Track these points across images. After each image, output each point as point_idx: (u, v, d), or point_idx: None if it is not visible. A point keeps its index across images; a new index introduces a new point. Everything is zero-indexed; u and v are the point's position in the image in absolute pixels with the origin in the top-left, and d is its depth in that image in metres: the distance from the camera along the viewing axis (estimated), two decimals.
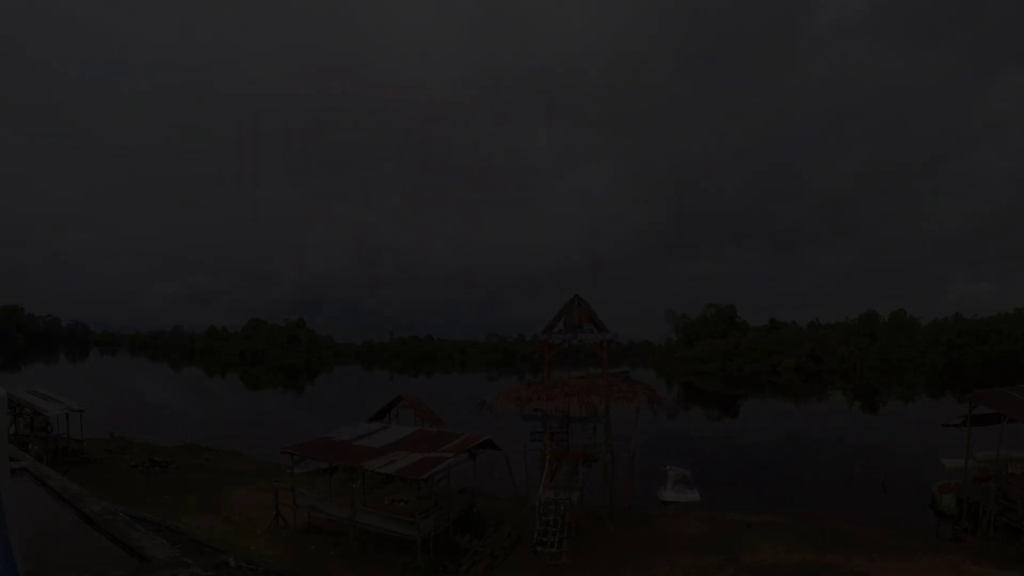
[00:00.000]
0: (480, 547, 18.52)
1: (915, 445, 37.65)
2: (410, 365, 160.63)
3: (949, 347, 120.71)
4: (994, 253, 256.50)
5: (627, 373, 23.02)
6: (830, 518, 22.31)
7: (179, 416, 55.92)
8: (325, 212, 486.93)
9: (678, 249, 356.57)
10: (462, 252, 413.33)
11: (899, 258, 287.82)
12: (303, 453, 21.28)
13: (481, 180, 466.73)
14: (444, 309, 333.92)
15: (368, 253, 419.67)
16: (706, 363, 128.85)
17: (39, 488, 4.14)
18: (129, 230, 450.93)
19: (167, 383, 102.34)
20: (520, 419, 22.98)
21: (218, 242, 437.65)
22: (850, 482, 29.61)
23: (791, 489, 29.04)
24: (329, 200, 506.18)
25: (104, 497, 4.28)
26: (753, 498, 26.39)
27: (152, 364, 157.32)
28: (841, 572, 15.92)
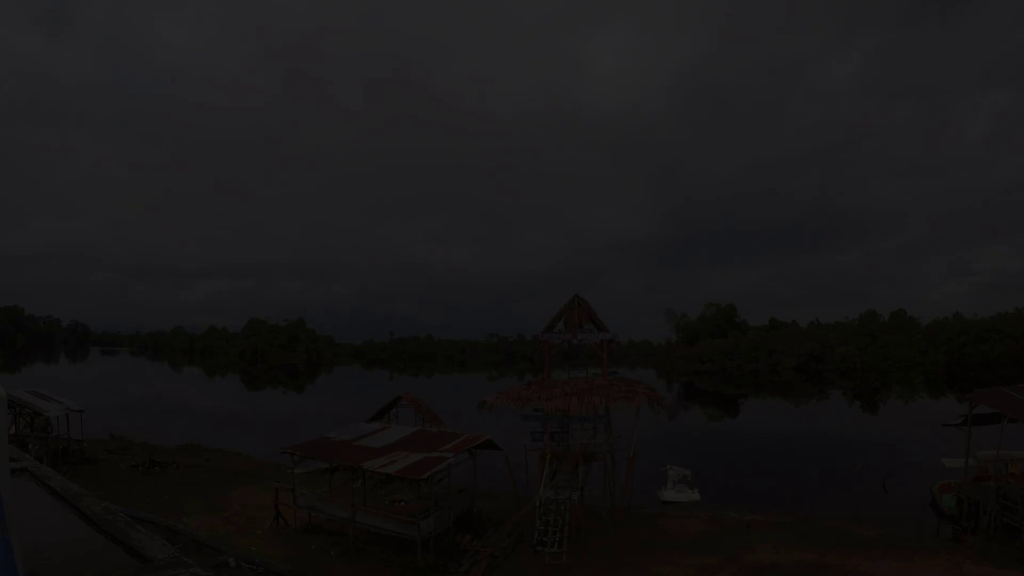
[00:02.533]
0: (480, 547, 18.52)
1: (915, 445, 37.65)
2: (410, 365, 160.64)
3: (949, 347, 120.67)
4: (985, 252, 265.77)
5: (616, 373, 22.99)
6: (830, 518, 22.32)
7: (179, 416, 55.93)
8: (328, 215, 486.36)
9: (679, 250, 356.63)
10: (465, 254, 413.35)
11: (898, 258, 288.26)
12: (303, 453, 21.29)
13: (489, 186, 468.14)
14: (444, 309, 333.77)
15: (371, 255, 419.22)
16: (706, 363, 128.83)
17: (39, 488, 4.13)
18: (132, 230, 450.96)
19: (167, 383, 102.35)
20: (520, 419, 22.98)
21: (219, 243, 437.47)
22: (850, 482, 29.60)
23: (791, 489, 29.03)
24: (333, 204, 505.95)
25: (104, 497, 4.29)
26: (753, 498, 26.40)
27: (152, 364, 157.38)
28: (841, 572, 15.92)
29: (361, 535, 19.04)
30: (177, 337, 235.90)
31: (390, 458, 18.99)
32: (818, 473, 33.15)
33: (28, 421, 31.32)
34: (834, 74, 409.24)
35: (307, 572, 16.16)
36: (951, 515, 22.73)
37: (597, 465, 23.43)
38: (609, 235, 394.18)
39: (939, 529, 22.29)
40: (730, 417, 66.11)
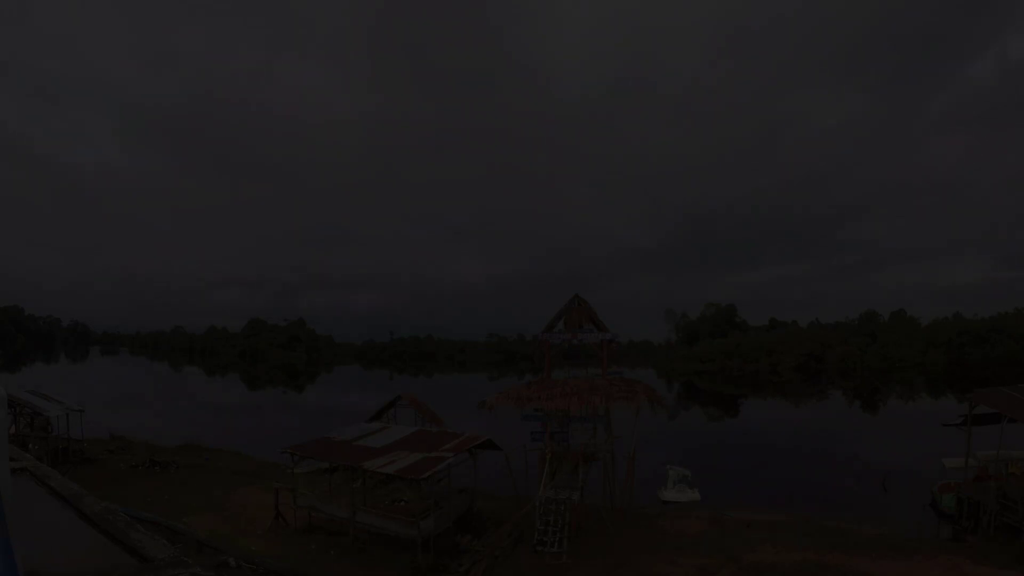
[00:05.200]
0: (480, 547, 18.52)
1: (915, 445, 37.64)
2: (410, 365, 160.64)
3: (949, 347, 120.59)
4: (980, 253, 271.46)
5: (619, 373, 23.13)
6: (830, 518, 22.33)
7: (179, 416, 55.93)
8: (324, 213, 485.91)
9: (679, 251, 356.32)
10: (466, 257, 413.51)
11: (897, 258, 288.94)
12: (304, 453, 21.29)
13: (490, 190, 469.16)
14: (444, 309, 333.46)
15: (373, 258, 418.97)
16: (706, 363, 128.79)
17: (39, 488, 4.13)
18: (132, 229, 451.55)
19: (167, 383, 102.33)
20: (520, 419, 22.98)
21: (218, 242, 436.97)
22: (850, 482, 29.60)
23: (791, 489, 29.03)
24: (333, 202, 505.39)
25: (104, 497, 4.28)
26: (753, 498, 26.40)
27: (152, 364, 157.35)
28: (841, 572, 15.92)
29: (361, 535, 19.05)
30: (177, 337, 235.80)
31: (390, 458, 18.99)
32: (818, 473, 33.14)
33: (28, 421, 31.33)
34: (828, 119, 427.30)
35: (307, 572, 16.15)
36: (951, 515, 22.73)
37: (597, 465, 23.43)
38: (609, 237, 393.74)
39: (939, 529, 22.30)
40: (730, 417, 66.09)
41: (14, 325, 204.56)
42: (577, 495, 20.45)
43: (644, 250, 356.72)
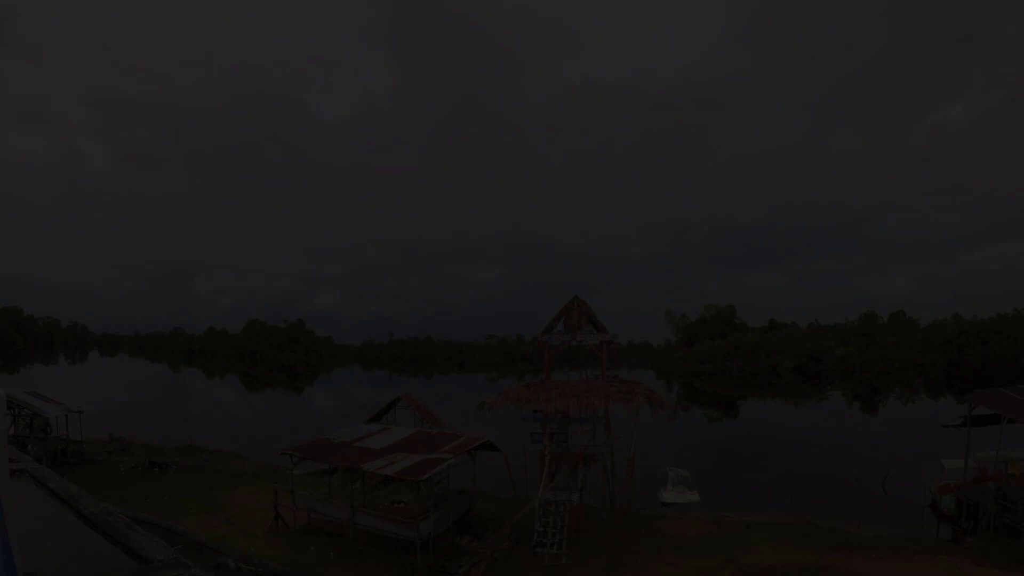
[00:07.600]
0: (480, 548, 18.50)
1: (915, 445, 37.65)
2: (409, 366, 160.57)
3: (948, 348, 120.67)
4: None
5: (617, 375, 23.32)
6: (829, 519, 22.31)
7: (179, 417, 55.87)
8: (324, 214, 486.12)
9: (679, 252, 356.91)
10: (466, 255, 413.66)
11: (896, 259, 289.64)
12: (303, 454, 21.25)
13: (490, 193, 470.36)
14: (444, 311, 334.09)
15: (373, 259, 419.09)
16: (706, 364, 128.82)
17: (39, 489, 4.14)
18: (131, 229, 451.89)
19: (166, 385, 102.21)
20: (520, 420, 22.97)
21: (216, 241, 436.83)
22: (849, 483, 29.59)
23: (791, 489, 29.02)
24: (333, 203, 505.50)
25: (103, 498, 4.28)
26: (753, 498, 26.39)
27: (151, 365, 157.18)
28: (841, 572, 15.92)
29: (360, 536, 19.03)
30: (176, 338, 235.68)
31: (390, 459, 18.98)
32: (818, 474, 33.14)
33: (27, 422, 31.29)
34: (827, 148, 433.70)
35: (306, 574, 16.14)
36: (951, 516, 22.72)
37: (597, 466, 23.41)
38: (610, 238, 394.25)
39: (939, 530, 22.29)
40: (729, 418, 66.07)
41: (13, 326, 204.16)
42: (577, 496, 20.43)
43: (644, 252, 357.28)
